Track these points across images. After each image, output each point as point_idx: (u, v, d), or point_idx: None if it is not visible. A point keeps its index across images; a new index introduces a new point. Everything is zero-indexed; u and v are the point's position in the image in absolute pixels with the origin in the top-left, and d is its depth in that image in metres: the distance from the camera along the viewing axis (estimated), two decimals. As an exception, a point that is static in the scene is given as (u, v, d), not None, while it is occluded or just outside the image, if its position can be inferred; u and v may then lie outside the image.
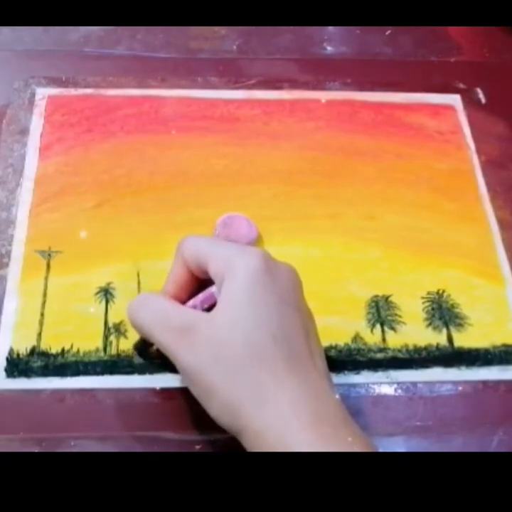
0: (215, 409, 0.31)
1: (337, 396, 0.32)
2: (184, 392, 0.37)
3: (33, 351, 0.38)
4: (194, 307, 0.34)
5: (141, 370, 0.38)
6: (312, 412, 0.29)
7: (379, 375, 0.38)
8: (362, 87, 0.51)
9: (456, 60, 0.54)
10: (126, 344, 0.38)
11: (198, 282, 0.35)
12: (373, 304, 0.41)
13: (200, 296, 0.34)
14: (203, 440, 0.36)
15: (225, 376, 0.30)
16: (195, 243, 0.34)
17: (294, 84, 0.51)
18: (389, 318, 0.40)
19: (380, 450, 0.31)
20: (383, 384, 0.38)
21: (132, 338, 0.38)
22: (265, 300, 0.31)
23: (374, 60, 0.54)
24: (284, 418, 0.29)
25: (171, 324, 0.31)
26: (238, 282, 0.31)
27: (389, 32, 0.56)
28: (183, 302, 0.34)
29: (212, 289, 0.33)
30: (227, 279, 0.31)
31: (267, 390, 0.30)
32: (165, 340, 0.31)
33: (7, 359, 0.37)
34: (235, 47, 0.54)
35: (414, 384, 0.38)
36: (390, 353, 0.39)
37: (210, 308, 0.32)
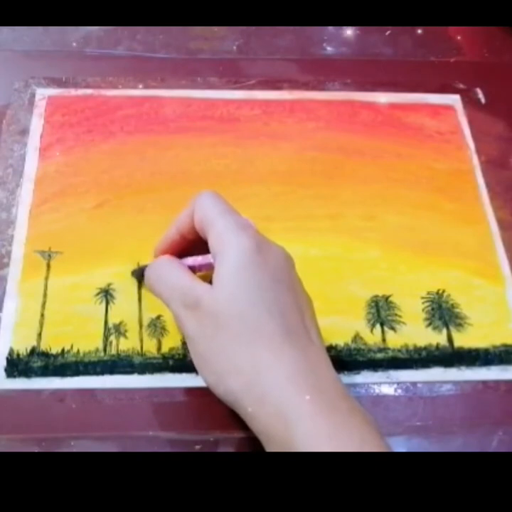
0: (213, 378, 0.32)
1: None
2: (184, 392, 0.37)
3: (33, 351, 0.38)
4: (193, 267, 0.35)
5: (141, 370, 0.38)
6: (310, 385, 0.30)
7: (379, 375, 0.38)
8: (362, 87, 0.51)
9: (456, 60, 0.54)
10: (126, 344, 0.38)
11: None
12: (373, 304, 0.41)
13: (200, 259, 0.35)
14: (203, 440, 0.36)
15: (224, 349, 0.31)
16: (206, 206, 0.35)
17: (294, 84, 0.51)
18: (389, 318, 0.40)
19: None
20: (383, 384, 0.38)
21: (132, 338, 0.39)
22: (257, 279, 0.31)
23: (374, 60, 0.54)
24: (282, 390, 0.30)
25: (185, 297, 0.33)
26: (230, 261, 0.32)
27: (389, 32, 0.56)
28: (183, 250, 0.36)
29: (212, 259, 0.34)
30: (219, 256, 0.32)
31: (264, 363, 0.30)
32: (177, 312, 0.33)
33: (7, 359, 0.37)
34: (235, 47, 0.54)
35: (414, 384, 0.38)
36: (390, 353, 0.39)
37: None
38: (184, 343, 0.38)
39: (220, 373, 0.31)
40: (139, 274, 0.39)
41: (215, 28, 0.54)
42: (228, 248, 0.32)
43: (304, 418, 0.29)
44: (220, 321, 0.31)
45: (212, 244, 0.33)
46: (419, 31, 0.56)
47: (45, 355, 0.38)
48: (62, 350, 0.38)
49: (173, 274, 0.34)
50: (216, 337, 0.31)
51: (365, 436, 0.29)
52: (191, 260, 0.36)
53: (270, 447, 0.30)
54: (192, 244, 0.36)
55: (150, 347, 0.38)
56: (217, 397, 0.32)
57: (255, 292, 0.31)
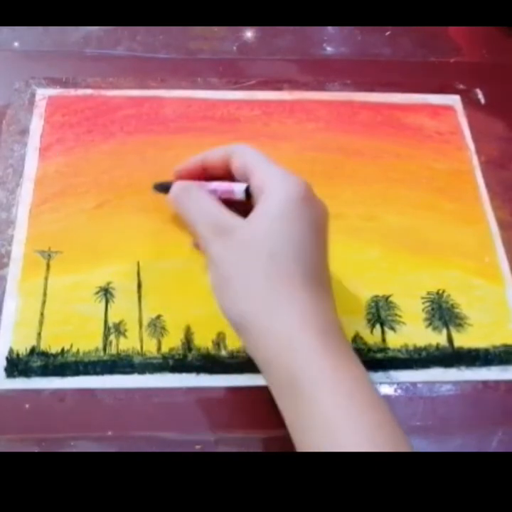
0: (228, 299, 0.33)
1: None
2: (184, 392, 0.37)
3: (32, 351, 0.38)
4: (215, 190, 0.36)
5: (141, 370, 0.38)
6: (319, 325, 0.31)
7: (379, 375, 0.38)
8: (361, 87, 0.51)
9: (456, 61, 0.54)
10: (126, 344, 0.38)
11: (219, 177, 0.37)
12: (373, 304, 0.41)
13: (225, 185, 0.36)
14: (203, 440, 0.36)
15: (246, 275, 0.32)
16: (250, 153, 0.36)
17: (294, 84, 0.51)
18: (389, 318, 0.40)
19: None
20: (383, 384, 0.38)
21: (132, 338, 0.39)
22: (297, 224, 0.33)
23: (374, 61, 0.54)
24: (292, 324, 0.31)
25: (215, 224, 0.34)
26: (278, 200, 0.33)
27: (389, 32, 0.56)
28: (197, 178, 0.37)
29: (235, 188, 0.35)
30: (266, 193, 0.33)
31: (281, 297, 0.32)
32: (205, 234, 0.34)
33: (7, 359, 0.37)
34: (235, 47, 0.54)
35: (414, 384, 0.38)
36: (390, 353, 0.39)
37: (225, 200, 0.35)
38: (184, 343, 0.39)
39: (236, 295, 0.32)
40: (163, 188, 0.39)
41: (215, 28, 0.54)
42: (277, 189, 0.33)
43: (309, 350, 0.30)
44: (250, 253, 0.32)
45: (258, 183, 0.34)
46: (419, 32, 0.56)
47: (45, 354, 0.38)
48: (62, 349, 0.38)
49: (205, 200, 0.35)
50: (241, 264, 0.32)
51: (360, 377, 0.31)
52: (215, 184, 0.36)
53: (271, 379, 0.32)
54: (209, 178, 0.37)
55: (150, 347, 0.38)
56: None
57: (292, 236, 0.32)
